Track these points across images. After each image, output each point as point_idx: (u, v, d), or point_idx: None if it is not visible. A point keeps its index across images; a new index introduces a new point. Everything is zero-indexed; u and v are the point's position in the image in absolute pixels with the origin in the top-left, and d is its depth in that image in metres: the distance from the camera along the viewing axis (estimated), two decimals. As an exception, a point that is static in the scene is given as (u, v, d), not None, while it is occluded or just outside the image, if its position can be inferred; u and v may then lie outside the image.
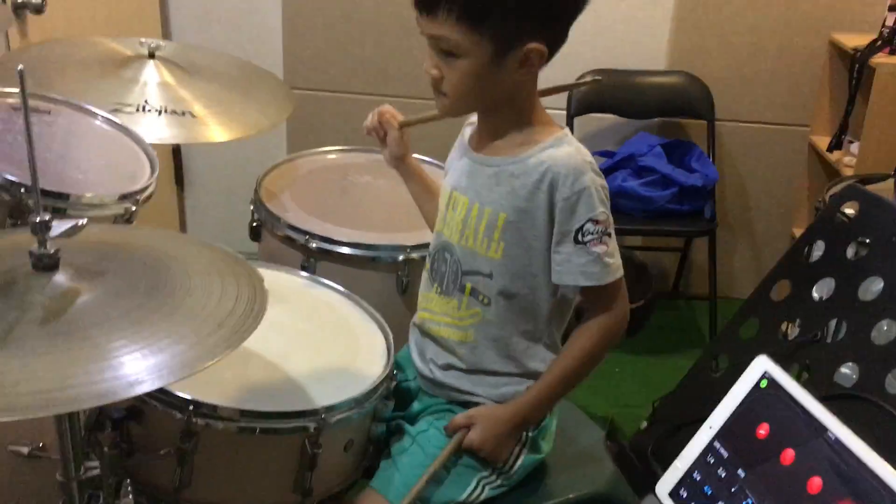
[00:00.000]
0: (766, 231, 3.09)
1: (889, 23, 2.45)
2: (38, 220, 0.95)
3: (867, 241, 1.10)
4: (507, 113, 1.26)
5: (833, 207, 1.18)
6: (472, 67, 1.17)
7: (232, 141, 3.00)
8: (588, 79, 2.63)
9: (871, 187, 1.83)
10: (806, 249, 1.21)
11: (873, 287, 1.05)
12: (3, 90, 1.53)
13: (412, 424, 1.41)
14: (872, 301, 1.06)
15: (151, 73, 1.86)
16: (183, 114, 1.78)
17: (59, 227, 0.97)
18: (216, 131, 1.80)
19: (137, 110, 1.74)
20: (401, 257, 1.71)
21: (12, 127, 1.46)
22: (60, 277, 0.99)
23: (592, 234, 1.21)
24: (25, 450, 1.29)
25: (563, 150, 1.23)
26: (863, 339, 1.03)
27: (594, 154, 1.28)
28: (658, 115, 2.93)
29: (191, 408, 1.20)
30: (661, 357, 2.69)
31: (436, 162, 2.03)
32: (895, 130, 2.20)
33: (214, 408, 1.21)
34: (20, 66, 0.88)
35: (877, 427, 0.95)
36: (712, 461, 1.01)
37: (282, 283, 1.58)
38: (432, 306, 1.39)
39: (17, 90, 1.04)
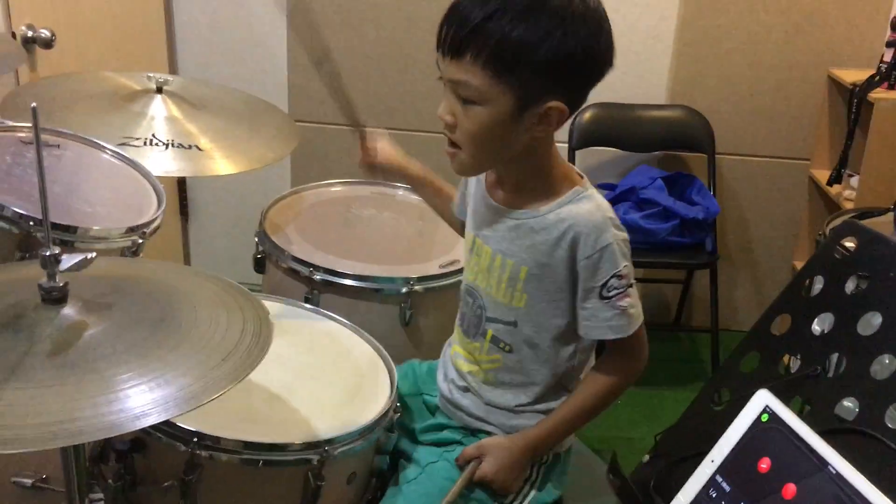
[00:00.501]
0: (767, 264, 3.10)
1: (887, 58, 2.48)
2: (48, 253, 0.97)
3: (866, 275, 1.11)
4: (524, 165, 1.25)
5: (832, 242, 1.19)
6: (491, 117, 1.15)
7: (236, 175, 3.04)
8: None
9: (870, 221, 1.85)
10: (805, 284, 1.22)
11: (873, 322, 1.06)
12: (12, 124, 1.55)
13: (420, 437, 1.42)
14: (872, 336, 1.06)
15: (159, 108, 1.89)
16: (189, 147, 1.80)
17: (68, 260, 0.99)
18: (222, 164, 1.82)
19: (145, 144, 1.77)
20: (404, 289, 1.72)
21: (21, 160, 1.49)
22: (69, 310, 1.01)
23: (617, 288, 1.22)
24: (29, 481, 1.30)
25: (584, 206, 1.23)
26: (863, 373, 1.04)
27: (595, 187, 1.29)
28: (659, 149, 2.95)
29: (194, 440, 1.20)
30: (663, 389, 2.69)
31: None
32: (894, 164, 2.22)
33: (218, 440, 1.21)
34: (34, 104, 0.90)
35: (878, 462, 0.95)
36: (714, 495, 1.02)
37: (285, 315, 1.59)
38: (458, 341, 1.40)
39: (26, 124, 1.06)
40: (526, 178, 1.27)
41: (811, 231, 2.92)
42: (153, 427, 1.22)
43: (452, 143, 1.22)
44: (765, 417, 1.01)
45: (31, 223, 1.31)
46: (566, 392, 1.34)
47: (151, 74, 1.94)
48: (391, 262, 1.82)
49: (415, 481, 1.35)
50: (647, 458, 1.30)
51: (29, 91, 1.93)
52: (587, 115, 2.83)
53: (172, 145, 1.79)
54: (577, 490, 1.43)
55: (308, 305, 1.65)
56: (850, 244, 1.19)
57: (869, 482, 0.89)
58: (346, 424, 1.29)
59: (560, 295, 1.26)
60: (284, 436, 1.26)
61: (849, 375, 1.06)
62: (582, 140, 2.83)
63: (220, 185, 3.17)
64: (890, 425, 0.97)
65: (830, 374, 1.08)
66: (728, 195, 3.01)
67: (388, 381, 1.43)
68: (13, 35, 2.02)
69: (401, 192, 2.12)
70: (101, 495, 1.11)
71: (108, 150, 1.65)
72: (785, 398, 1.04)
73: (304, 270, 1.74)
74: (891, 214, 2.02)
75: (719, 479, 1.02)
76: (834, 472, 0.92)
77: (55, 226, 1.30)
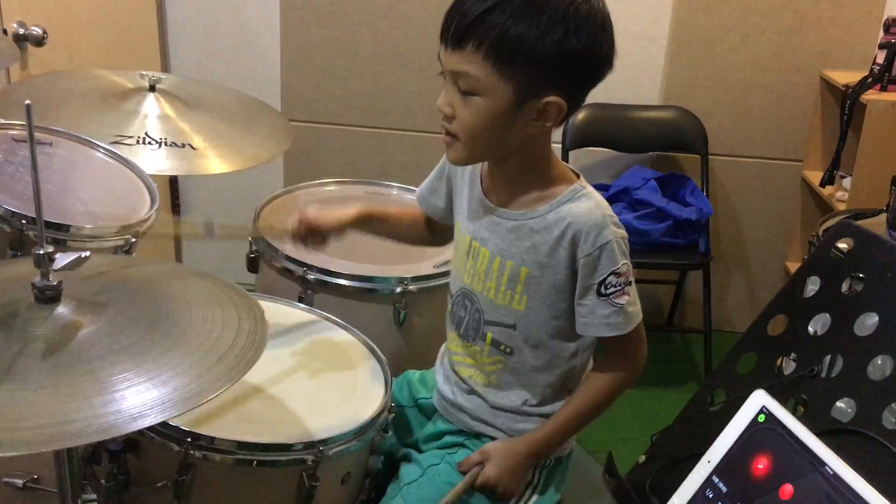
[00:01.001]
0: (759, 265, 3.11)
1: (879, 60, 2.48)
2: (41, 252, 0.96)
3: (862, 276, 1.11)
4: (520, 164, 1.25)
5: (827, 243, 1.20)
6: (489, 109, 1.15)
7: (229, 173, 3.03)
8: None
9: (863, 222, 1.85)
10: (801, 285, 1.22)
11: (868, 322, 1.06)
12: (4, 122, 1.54)
13: (423, 447, 1.41)
14: (868, 336, 1.07)
15: (152, 106, 1.88)
16: (183, 146, 1.79)
17: (62, 259, 0.98)
18: (215, 163, 1.81)
19: (138, 142, 1.76)
20: (398, 289, 1.71)
21: (13, 158, 1.48)
22: (62, 310, 1.00)
23: (615, 286, 1.22)
24: (20, 482, 1.29)
25: (583, 205, 1.23)
26: (859, 374, 1.04)
27: (590, 187, 1.29)
28: (652, 150, 2.96)
29: (188, 440, 1.19)
30: (656, 390, 2.69)
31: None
32: (886, 166, 2.23)
33: (212, 440, 1.20)
34: (28, 101, 0.89)
35: (874, 462, 0.95)
36: (711, 496, 1.02)
37: (279, 315, 1.58)
38: (455, 347, 1.39)
39: (19, 122, 1.05)
40: (522, 178, 1.26)
41: (804, 232, 2.93)
42: (147, 427, 1.21)
43: (449, 133, 1.22)
44: (761, 418, 1.01)
45: (24, 221, 1.30)
46: (569, 393, 1.34)
47: (144, 72, 1.93)
48: (385, 262, 1.81)
49: (415, 483, 1.34)
50: (643, 458, 1.30)
51: (20, 89, 1.91)
52: (581, 115, 2.83)
53: (165, 144, 1.79)
54: (573, 492, 1.43)
55: (302, 305, 1.65)
56: (845, 245, 1.20)
57: (866, 482, 0.89)
58: (341, 424, 1.28)
59: (560, 295, 1.26)
60: (279, 436, 1.25)
61: (845, 376, 1.06)
62: (576, 140, 2.84)
63: (213, 184, 3.16)
64: (886, 426, 0.97)
65: (827, 375, 1.08)
66: (721, 196, 3.02)
67: (383, 381, 1.42)
68: (4, 32, 2.00)
69: (395, 191, 2.12)
70: (93, 496, 1.10)
71: (101, 148, 1.64)
72: (781, 399, 1.04)
73: (297, 270, 1.73)
74: (883, 216, 2.03)
75: (716, 479, 1.02)
76: (831, 472, 0.92)
77: (47, 224, 1.29)
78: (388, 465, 1.44)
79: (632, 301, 1.25)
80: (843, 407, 1.03)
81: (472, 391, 1.36)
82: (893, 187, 2.00)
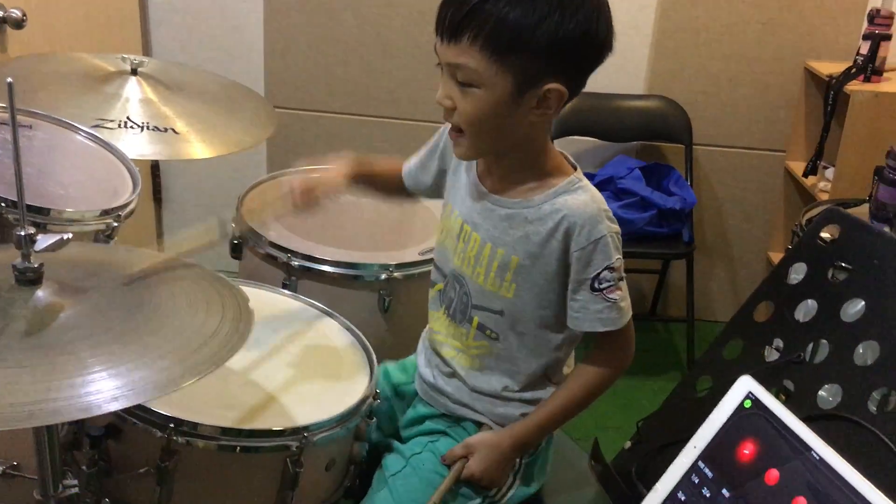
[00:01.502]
0: (742, 255, 3.13)
1: (863, 51, 2.50)
2: (22, 233, 0.95)
3: (849, 263, 1.11)
4: (521, 153, 1.24)
5: (814, 230, 1.20)
6: (489, 99, 1.14)
7: (213, 158, 3.01)
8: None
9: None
10: (787, 272, 1.22)
11: (854, 309, 1.07)
12: (-17, 104, 1.51)
13: (404, 432, 1.41)
14: (854, 322, 1.07)
15: (134, 90, 1.86)
16: (165, 130, 1.78)
17: (43, 241, 0.96)
18: (198, 148, 1.80)
19: (119, 126, 1.74)
20: (383, 276, 1.71)
21: (-8, 141, 1.45)
22: (44, 292, 0.99)
23: (609, 281, 1.21)
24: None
25: (579, 197, 1.21)
26: (845, 360, 1.04)
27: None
28: (637, 139, 2.96)
29: (171, 426, 1.18)
30: (639, 379, 2.70)
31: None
32: (869, 156, 2.24)
33: (195, 426, 1.19)
34: (9, 79, 0.87)
35: (860, 447, 0.96)
36: (697, 481, 1.02)
37: (263, 301, 1.57)
38: (440, 327, 1.38)
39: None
40: (519, 166, 1.25)
41: (787, 222, 2.95)
42: (128, 412, 1.20)
43: (456, 129, 1.20)
44: (748, 404, 1.01)
45: (3, 204, 1.28)
46: (550, 383, 1.34)
47: (126, 56, 1.91)
48: (370, 249, 1.80)
49: (400, 474, 1.33)
50: (628, 444, 1.31)
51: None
52: (566, 104, 2.83)
53: (148, 128, 1.77)
54: (558, 481, 1.43)
55: (287, 291, 1.64)
56: (827, 234, 1.20)
57: (852, 467, 0.89)
58: (326, 411, 1.27)
59: (549, 286, 1.25)
60: (263, 422, 1.24)
61: (832, 362, 1.07)
62: (561, 129, 2.83)
63: (195, 170, 3.13)
64: (873, 411, 0.98)
65: (813, 361, 1.09)
66: (705, 186, 3.03)
67: (367, 368, 1.41)
68: (-17, 14, 1.97)
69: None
70: (74, 482, 1.09)
71: (82, 131, 1.62)
72: (767, 385, 1.04)
73: (281, 256, 1.72)
74: (866, 206, 2.04)
75: (701, 465, 1.02)
76: (817, 457, 0.92)
77: (27, 207, 1.27)
78: (372, 455, 1.43)
79: (624, 296, 1.25)
80: (829, 392, 1.03)
81: (453, 374, 1.36)
82: (876, 177, 2.01)
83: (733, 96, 2.92)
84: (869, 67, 2.48)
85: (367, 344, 1.47)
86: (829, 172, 2.59)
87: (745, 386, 1.02)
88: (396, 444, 1.39)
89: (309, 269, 1.71)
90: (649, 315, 3.17)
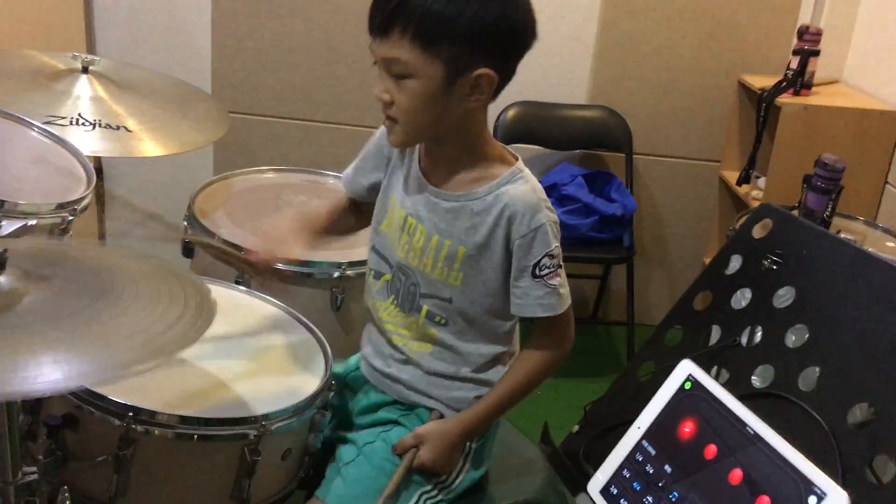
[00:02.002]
0: (679, 260, 3.23)
1: (793, 65, 2.61)
2: (-13, 218, 0.96)
3: (780, 254, 1.19)
4: (459, 144, 1.29)
5: (748, 224, 1.28)
6: (424, 89, 1.19)
7: (156, 164, 2.98)
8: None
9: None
10: (724, 263, 1.30)
11: (786, 295, 1.14)
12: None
13: (357, 420, 1.44)
14: (785, 308, 1.15)
15: (84, 87, 1.86)
16: (117, 128, 1.78)
17: (7, 227, 0.97)
18: (150, 146, 1.81)
19: (71, 123, 1.74)
20: (336, 274, 1.74)
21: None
22: (6, 278, 0.99)
23: (549, 267, 1.27)
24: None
25: (520, 187, 1.27)
26: (777, 342, 1.12)
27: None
28: (580, 147, 3.04)
29: (130, 414, 1.19)
30: (582, 381, 2.77)
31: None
32: (799, 165, 2.34)
33: (153, 414, 1.21)
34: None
35: (791, 421, 1.03)
36: (640, 459, 1.07)
37: (219, 296, 1.56)
38: (388, 317, 1.41)
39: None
40: (461, 158, 1.30)
41: (721, 229, 3.06)
42: (86, 401, 1.21)
43: (389, 118, 1.26)
44: (688, 385, 1.07)
45: (-41, 196, 1.27)
46: (501, 365, 1.38)
47: (77, 54, 1.91)
48: (321, 247, 1.82)
49: (353, 463, 1.36)
50: (576, 428, 1.36)
51: (-56, 67, 1.87)
52: (511, 112, 2.90)
53: (100, 125, 1.77)
54: (505, 467, 1.47)
55: (242, 287, 1.65)
56: (758, 234, 1.28)
57: (784, 440, 0.96)
58: (283, 400, 1.30)
59: (495, 274, 1.30)
60: (221, 411, 1.26)
61: (765, 344, 1.14)
62: (506, 137, 2.90)
63: (139, 173, 3.11)
64: (802, 388, 1.05)
65: (748, 345, 1.16)
66: (644, 194, 3.13)
67: (323, 360, 1.44)
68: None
69: (331, 180, 2.13)
70: (33, 468, 1.09)
71: (36, 127, 1.61)
72: (706, 367, 1.11)
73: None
74: (795, 212, 2.15)
75: (645, 443, 1.08)
76: (752, 432, 0.99)
77: (-18, 199, 1.27)
78: (325, 448, 1.45)
79: (563, 283, 1.30)
80: (765, 372, 1.11)
81: (407, 361, 1.39)
82: (805, 185, 2.12)
83: (671, 107, 3.03)
84: (798, 81, 2.60)
85: (322, 337, 1.50)
86: (762, 181, 2.70)
87: (685, 369, 1.08)
88: (350, 435, 1.42)
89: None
90: (591, 319, 3.25)
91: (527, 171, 1.31)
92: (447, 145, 1.30)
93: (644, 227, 3.17)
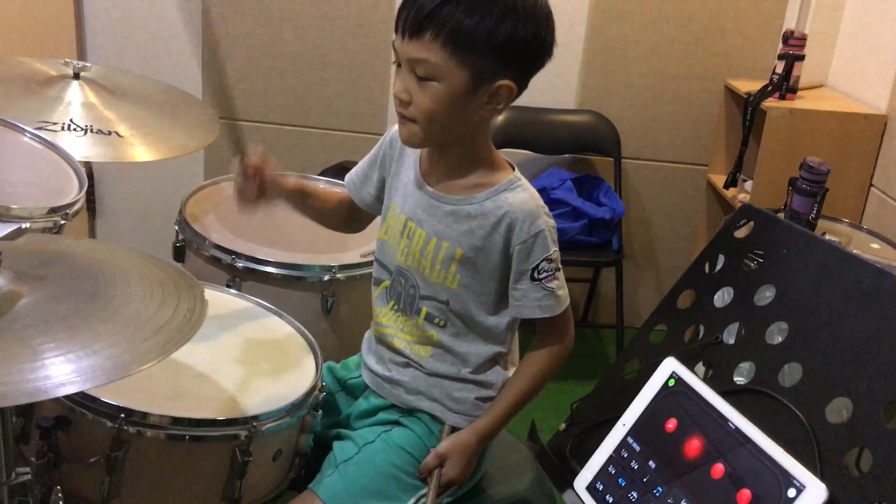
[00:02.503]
0: (667, 263, 3.26)
1: (779, 70, 2.65)
2: (-20, 222, 0.97)
3: (760, 253, 1.22)
4: (463, 149, 1.32)
5: (731, 225, 1.30)
6: (446, 93, 1.21)
7: (148, 169, 2.99)
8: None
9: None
10: (707, 263, 1.32)
11: (767, 294, 1.17)
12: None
13: (355, 423, 1.45)
14: (766, 306, 1.17)
15: (76, 93, 1.88)
16: (109, 133, 1.79)
17: (1, 229, 0.99)
18: (142, 151, 1.82)
19: (63, 129, 1.75)
20: (326, 277, 1.75)
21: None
22: (2, 279, 1.01)
23: (547, 271, 1.30)
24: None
25: (519, 195, 1.31)
26: (758, 339, 1.14)
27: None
28: (568, 152, 3.07)
29: (122, 416, 1.20)
30: (571, 383, 2.77)
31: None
32: (784, 169, 2.37)
33: (145, 415, 1.22)
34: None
35: (772, 416, 1.05)
36: (626, 455, 1.09)
37: (211, 298, 1.58)
38: (388, 321, 1.42)
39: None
40: (462, 164, 1.33)
41: (709, 231, 3.08)
42: (78, 403, 1.22)
43: (406, 117, 1.27)
44: (671, 382, 1.09)
45: (-49, 200, 1.29)
46: (499, 366, 1.41)
47: (69, 60, 1.92)
48: (312, 251, 1.84)
49: (352, 460, 1.37)
50: (563, 426, 1.38)
51: (-63, 74, 1.88)
52: (500, 117, 2.92)
53: (91, 131, 1.78)
54: (498, 468, 1.49)
55: (233, 290, 1.67)
56: (740, 235, 1.31)
57: (765, 434, 0.98)
58: (274, 401, 1.31)
59: (491, 276, 1.33)
60: (212, 412, 1.27)
61: (746, 342, 1.16)
62: (495, 142, 2.84)
63: (130, 181, 3.12)
64: (783, 384, 1.07)
65: (730, 342, 1.18)
66: (632, 197, 3.16)
67: (313, 362, 1.46)
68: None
69: (322, 185, 2.15)
70: (27, 469, 1.10)
71: (27, 132, 1.63)
72: (690, 365, 1.13)
73: (225, 258, 1.75)
74: (781, 214, 2.18)
75: (630, 440, 1.10)
76: (733, 427, 1.01)
77: (-25, 203, 1.29)
78: (317, 449, 1.47)
79: (561, 285, 1.33)
80: (745, 369, 1.13)
81: (408, 364, 1.41)
82: (791, 188, 2.15)
83: (659, 112, 3.06)
84: (784, 86, 2.63)
85: (312, 339, 1.51)
86: (748, 185, 2.73)
87: (669, 366, 1.11)
88: (347, 431, 1.43)
89: (253, 270, 1.74)
90: (581, 322, 3.27)
91: (524, 179, 1.34)
92: (452, 150, 1.33)
93: (633, 230, 3.20)
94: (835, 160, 2.24)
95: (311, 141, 3.08)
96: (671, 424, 1.07)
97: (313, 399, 1.38)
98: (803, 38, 2.64)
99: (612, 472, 1.11)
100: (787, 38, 2.65)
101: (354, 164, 1.53)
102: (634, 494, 1.08)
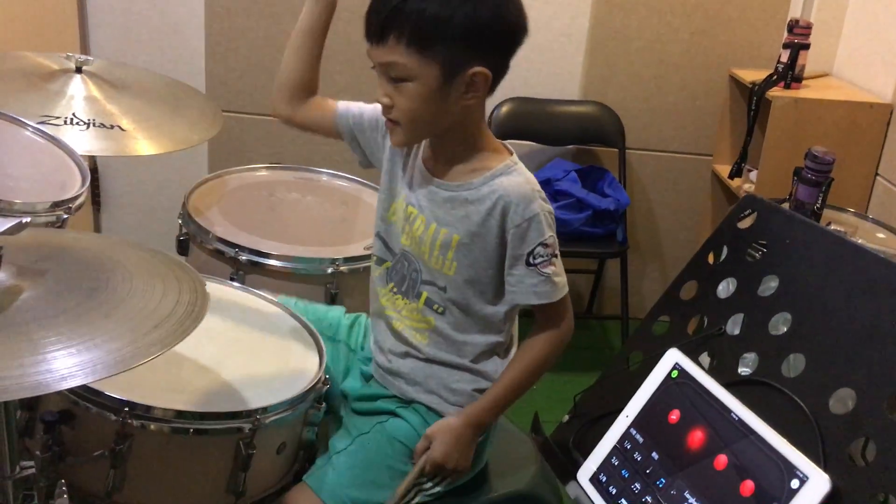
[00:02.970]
0: (672, 254, 3.25)
1: (783, 59, 2.63)
2: (-19, 216, 0.97)
3: (764, 244, 1.21)
4: (457, 138, 1.32)
5: (734, 216, 1.29)
6: (422, 91, 1.23)
7: (152, 163, 2.99)
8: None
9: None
10: (710, 253, 1.32)
11: (771, 284, 1.16)
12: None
13: (354, 405, 1.45)
14: (769, 297, 1.16)
15: (78, 87, 1.87)
16: (112, 127, 1.79)
17: (2, 224, 0.99)
18: (145, 145, 1.82)
19: (65, 123, 1.75)
20: (330, 270, 1.75)
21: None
22: (1, 275, 1.01)
23: (542, 256, 1.29)
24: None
25: (514, 179, 1.30)
26: (762, 330, 1.14)
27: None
28: (573, 143, 3.06)
29: (125, 409, 1.21)
30: (576, 375, 2.77)
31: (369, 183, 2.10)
32: (790, 158, 2.35)
33: (149, 409, 1.22)
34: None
35: (775, 407, 1.04)
36: (629, 447, 1.09)
37: (214, 291, 1.59)
38: (388, 303, 1.43)
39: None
40: (459, 151, 1.33)
41: (714, 222, 3.07)
42: (82, 397, 1.22)
43: (391, 120, 1.29)
44: (675, 374, 1.09)
45: (-47, 195, 1.29)
46: (498, 357, 1.40)
47: (71, 54, 1.92)
48: (315, 244, 1.84)
49: (345, 452, 1.38)
50: (566, 418, 1.38)
51: (-60, 68, 1.88)
52: (504, 109, 2.91)
53: (94, 125, 1.78)
54: (498, 460, 1.49)
55: (236, 284, 1.67)
56: (743, 225, 1.30)
57: (768, 426, 0.98)
58: (278, 394, 1.31)
59: (488, 262, 1.33)
60: (216, 405, 1.28)
61: (750, 332, 1.16)
62: (499, 133, 2.91)
63: (134, 174, 3.12)
64: (786, 375, 1.07)
65: (734, 333, 1.18)
66: (637, 188, 3.14)
67: (317, 355, 1.46)
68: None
69: (325, 177, 2.15)
70: (31, 463, 1.11)
71: (30, 126, 1.62)
72: (692, 356, 1.12)
73: (229, 251, 1.75)
74: (786, 204, 2.17)
75: (633, 431, 1.10)
76: (737, 418, 1.01)
77: (-22, 198, 1.29)
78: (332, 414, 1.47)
79: (558, 272, 1.32)
80: (748, 360, 1.12)
81: (407, 354, 1.41)
82: (795, 178, 2.13)
83: (663, 102, 3.04)
84: (789, 75, 2.62)
85: (315, 332, 1.51)
86: (753, 174, 2.72)
87: (672, 358, 1.10)
88: (343, 421, 1.43)
89: (256, 263, 1.74)
90: (585, 314, 3.26)
91: (521, 164, 1.34)
92: (448, 139, 1.33)
93: (637, 221, 3.19)
94: (840, 149, 2.23)
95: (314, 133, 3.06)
96: (674, 416, 1.07)
97: (317, 393, 1.38)
98: (808, 27, 2.63)
99: (616, 463, 1.11)
100: (792, 26, 2.63)
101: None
102: (637, 486, 1.08)
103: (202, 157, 3.08)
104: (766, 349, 1.10)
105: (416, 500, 1.37)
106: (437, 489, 1.38)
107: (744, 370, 1.11)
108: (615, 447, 1.11)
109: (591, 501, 1.12)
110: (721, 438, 1.01)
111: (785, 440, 0.96)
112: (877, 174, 2.57)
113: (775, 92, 2.60)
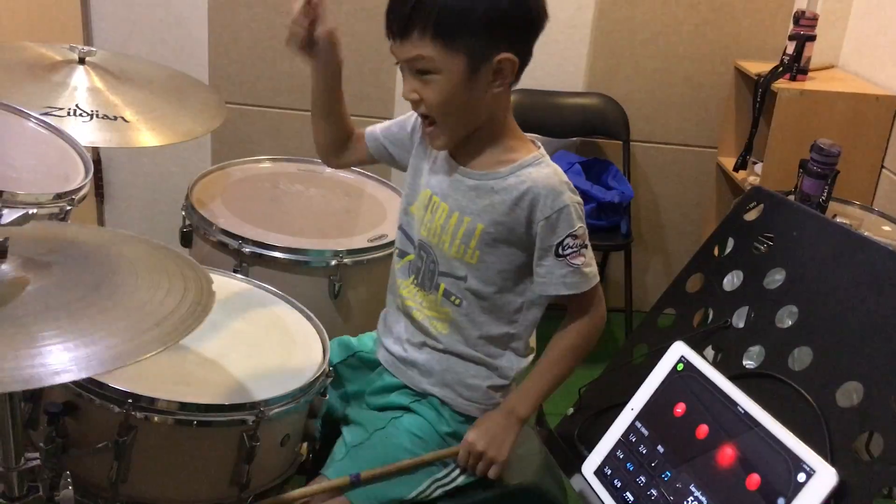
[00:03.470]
0: (677, 246, 3.24)
1: (789, 51, 2.62)
2: (-15, 208, 0.97)
3: (770, 236, 1.21)
4: (487, 126, 1.32)
5: (740, 207, 1.29)
6: (449, 82, 1.23)
7: (155, 155, 2.99)
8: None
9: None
10: (717, 246, 1.31)
11: (777, 277, 1.16)
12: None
13: (368, 399, 1.46)
14: (775, 289, 1.16)
15: (81, 78, 1.87)
16: (115, 118, 1.79)
17: (9, 215, 0.98)
18: (148, 136, 1.81)
19: (68, 114, 1.75)
20: (333, 262, 1.75)
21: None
22: (8, 266, 1.00)
23: (572, 247, 1.29)
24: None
25: (543, 170, 1.30)
26: (768, 323, 1.13)
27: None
28: (577, 135, 3.05)
29: (129, 401, 1.21)
30: (580, 368, 2.78)
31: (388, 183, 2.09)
32: (795, 150, 2.35)
33: (153, 401, 1.22)
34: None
35: (781, 401, 1.04)
36: (634, 440, 1.09)
37: (217, 284, 1.58)
38: (409, 294, 1.43)
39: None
40: (488, 140, 1.33)
41: (719, 215, 3.06)
42: (86, 389, 1.22)
43: (426, 118, 1.29)
44: (680, 367, 1.09)
45: (-43, 186, 1.28)
46: (512, 352, 1.40)
47: (74, 45, 1.91)
48: (319, 236, 1.84)
49: (362, 446, 1.38)
50: (571, 410, 1.38)
51: (-57, 59, 1.87)
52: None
53: (97, 116, 1.78)
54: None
55: (240, 276, 1.67)
56: (750, 217, 1.29)
57: (774, 419, 0.97)
58: (281, 386, 1.31)
59: (511, 252, 1.33)
60: (220, 397, 1.27)
61: (756, 325, 1.15)
62: (503, 125, 2.90)
63: (138, 167, 3.12)
64: (792, 368, 1.07)
65: (740, 325, 1.17)
66: (641, 181, 3.14)
67: (321, 347, 1.46)
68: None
69: (328, 169, 2.14)
70: (35, 454, 1.11)
71: (33, 118, 1.62)
72: (698, 349, 1.12)
73: (232, 243, 1.75)
74: (791, 197, 2.16)
75: (638, 424, 1.10)
76: (743, 411, 1.00)
77: (-19, 189, 1.28)
78: (327, 427, 1.47)
79: (588, 262, 1.32)
80: (754, 353, 1.12)
81: (423, 344, 1.41)
82: (801, 170, 2.13)
83: (668, 94, 3.03)
84: (795, 66, 2.61)
85: (319, 323, 1.51)
86: (758, 167, 2.71)
87: (677, 351, 1.10)
88: (358, 415, 1.44)
89: (260, 255, 1.74)
90: (589, 306, 3.26)
91: (548, 157, 1.34)
92: (477, 128, 1.33)
93: (641, 214, 3.18)
94: (846, 142, 2.22)
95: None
96: (680, 409, 1.06)
97: (321, 384, 1.37)
98: (814, 19, 2.61)
99: (621, 456, 1.10)
100: (798, 18, 2.62)
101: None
102: (643, 479, 1.08)
103: (205, 148, 3.08)
104: (772, 342, 1.10)
105: (437, 493, 1.37)
106: (459, 480, 1.38)
107: (749, 363, 1.11)
108: (620, 440, 1.11)
109: (596, 494, 1.12)
110: (727, 432, 1.00)
111: (791, 434, 0.95)
112: (883, 166, 2.56)
113: (781, 84, 2.59)
